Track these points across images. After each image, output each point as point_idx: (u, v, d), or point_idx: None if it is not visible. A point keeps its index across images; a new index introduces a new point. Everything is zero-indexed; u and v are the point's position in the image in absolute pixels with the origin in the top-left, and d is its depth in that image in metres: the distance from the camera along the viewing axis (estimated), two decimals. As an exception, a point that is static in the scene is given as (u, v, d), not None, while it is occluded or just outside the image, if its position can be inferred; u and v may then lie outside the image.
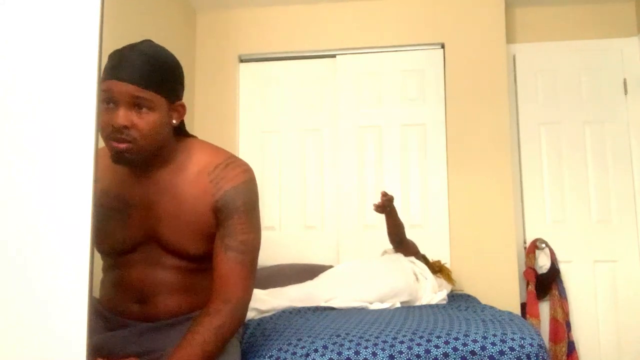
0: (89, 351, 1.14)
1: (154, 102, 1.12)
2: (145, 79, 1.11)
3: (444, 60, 3.13)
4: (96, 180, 1.10)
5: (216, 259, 1.19)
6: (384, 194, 2.26)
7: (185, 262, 1.23)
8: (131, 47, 1.14)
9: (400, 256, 2.31)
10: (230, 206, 1.20)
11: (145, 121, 1.11)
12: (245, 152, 3.27)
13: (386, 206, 2.28)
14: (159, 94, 1.12)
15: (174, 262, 1.23)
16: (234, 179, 1.22)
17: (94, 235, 1.19)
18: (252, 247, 1.21)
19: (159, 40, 2.85)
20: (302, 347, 1.22)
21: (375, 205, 2.30)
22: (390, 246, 2.51)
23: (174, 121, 1.19)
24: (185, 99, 3.18)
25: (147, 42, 1.16)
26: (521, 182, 3.15)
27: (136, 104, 1.11)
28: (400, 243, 2.41)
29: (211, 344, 1.10)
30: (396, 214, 2.37)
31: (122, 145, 1.10)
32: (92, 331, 1.22)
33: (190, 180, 1.21)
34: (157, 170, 1.21)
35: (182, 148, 1.24)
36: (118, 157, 1.11)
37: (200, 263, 1.25)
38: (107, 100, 1.10)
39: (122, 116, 1.09)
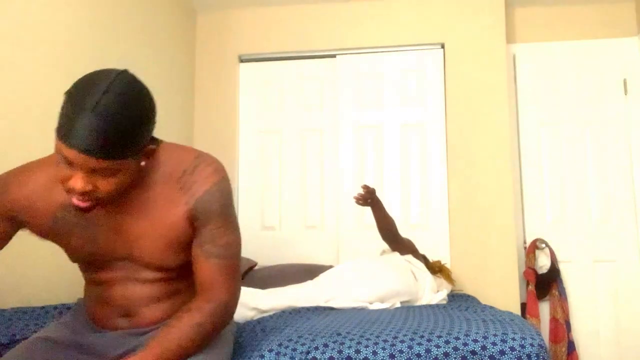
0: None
1: (118, 167, 0.99)
2: (104, 152, 0.95)
3: (444, 60, 3.13)
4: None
5: (197, 266, 1.14)
6: (366, 187, 2.25)
7: (164, 274, 1.18)
8: (84, 108, 0.94)
9: (396, 255, 2.30)
10: (206, 212, 1.13)
11: (109, 183, 1.00)
12: (245, 152, 3.27)
13: (367, 198, 2.27)
14: (122, 159, 0.98)
15: (156, 275, 1.18)
16: (206, 182, 1.14)
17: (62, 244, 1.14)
18: (234, 249, 1.17)
19: (159, 40, 2.85)
20: (303, 344, 1.22)
21: (355, 197, 2.28)
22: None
23: (143, 163, 1.08)
24: (185, 99, 3.18)
25: (106, 99, 0.95)
26: (521, 182, 3.15)
27: (97, 171, 0.98)
28: (394, 239, 2.38)
29: (188, 340, 1.07)
30: (382, 207, 2.34)
31: (85, 205, 1.01)
32: (83, 331, 1.21)
33: (158, 194, 1.13)
34: (122, 194, 1.11)
35: (147, 162, 1.13)
36: (81, 211, 1.03)
37: (183, 270, 1.21)
38: (67, 162, 0.97)
39: (82, 181, 0.98)
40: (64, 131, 0.94)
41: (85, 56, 2.21)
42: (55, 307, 1.74)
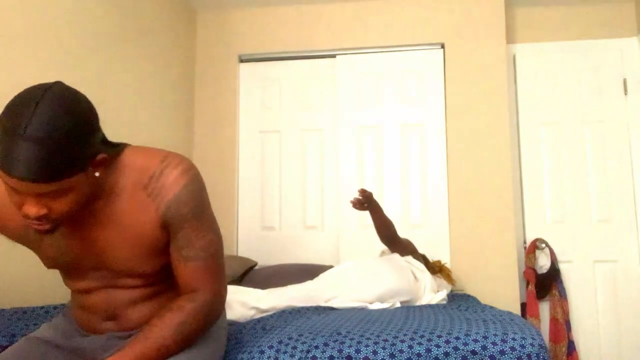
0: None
1: (68, 185, 0.95)
2: (46, 175, 0.90)
3: (444, 60, 3.13)
4: None
5: (177, 271, 1.12)
6: (362, 191, 2.24)
7: (141, 278, 1.16)
8: (16, 134, 0.89)
9: (396, 256, 2.30)
10: (178, 217, 1.10)
11: (63, 203, 0.96)
12: (245, 152, 3.27)
13: (363, 202, 2.26)
14: (70, 177, 0.94)
15: (135, 281, 1.16)
16: (174, 186, 1.09)
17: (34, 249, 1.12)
18: (213, 249, 1.14)
19: (159, 39, 2.85)
20: (303, 343, 1.22)
21: (351, 202, 2.28)
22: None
23: (97, 174, 1.02)
24: (185, 99, 3.18)
25: (36, 121, 0.89)
26: (521, 182, 3.15)
27: (46, 194, 0.94)
28: (392, 242, 2.36)
29: (169, 339, 1.05)
30: (380, 210, 2.32)
31: (44, 228, 0.98)
32: (71, 334, 1.21)
33: (125, 202, 1.09)
34: (86, 206, 1.07)
35: (110, 171, 1.08)
36: (44, 234, 1.00)
37: (164, 272, 1.19)
38: (15, 191, 0.94)
39: (35, 207, 0.94)
40: (3, 161, 0.90)
41: (85, 56, 2.21)
42: (55, 307, 1.74)
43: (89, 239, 1.10)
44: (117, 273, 1.14)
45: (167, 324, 1.06)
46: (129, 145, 1.14)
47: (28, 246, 1.14)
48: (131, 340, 1.04)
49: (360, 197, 2.25)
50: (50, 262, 1.14)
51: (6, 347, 1.31)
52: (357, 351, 1.18)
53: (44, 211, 0.95)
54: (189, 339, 1.09)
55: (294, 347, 1.21)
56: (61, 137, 0.90)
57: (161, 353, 1.04)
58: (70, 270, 1.15)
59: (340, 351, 1.19)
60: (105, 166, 1.03)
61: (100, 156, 0.99)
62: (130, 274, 1.14)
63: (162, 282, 1.19)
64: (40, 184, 0.91)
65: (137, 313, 1.17)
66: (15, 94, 1.82)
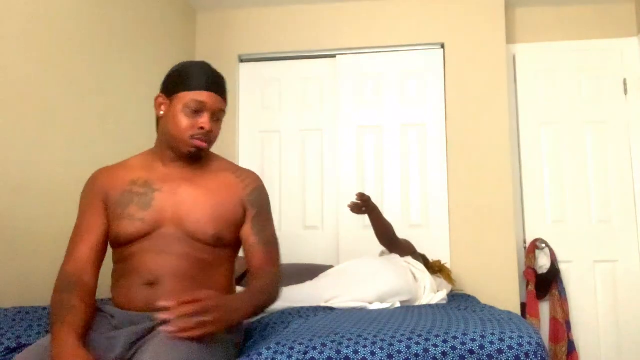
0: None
1: (224, 110, 1.38)
2: (226, 98, 1.39)
3: (444, 60, 3.13)
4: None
5: (252, 254, 1.38)
6: (361, 195, 2.24)
7: (197, 249, 1.31)
8: (207, 65, 1.37)
9: (396, 257, 2.30)
10: (259, 203, 1.41)
11: (217, 128, 1.38)
12: (245, 152, 3.27)
13: (361, 206, 2.26)
14: (225, 102, 1.39)
15: (185, 250, 1.30)
16: (256, 181, 1.45)
17: (111, 226, 1.32)
18: (276, 239, 1.45)
19: (159, 39, 2.85)
20: (301, 344, 1.22)
21: (349, 206, 2.28)
22: (387, 248, 2.49)
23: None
24: (186, 99, 3.18)
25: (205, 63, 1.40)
26: (521, 182, 3.15)
27: (215, 115, 1.35)
28: (392, 244, 2.36)
29: (265, 292, 1.29)
30: (379, 213, 2.32)
31: (205, 144, 1.34)
32: (98, 330, 1.22)
33: (214, 174, 1.41)
34: (186, 164, 1.40)
35: (209, 152, 1.47)
36: (197, 153, 1.35)
37: (210, 252, 1.33)
38: (196, 108, 1.32)
39: (209, 123, 1.33)
40: (194, 82, 1.32)
41: (85, 56, 2.22)
42: (55, 307, 1.74)
43: (180, 194, 1.34)
44: (179, 233, 1.31)
45: (263, 281, 1.32)
46: None
47: (115, 212, 1.33)
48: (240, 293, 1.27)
49: (359, 201, 2.25)
50: (125, 224, 1.31)
51: (14, 349, 1.31)
52: (355, 352, 1.18)
53: (212, 128, 1.34)
54: (268, 301, 1.30)
55: (291, 348, 1.21)
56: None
57: (263, 300, 1.28)
58: (136, 232, 1.30)
59: (338, 352, 1.19)
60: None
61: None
62: (190, 236, 1.31)
63: (205, 268, 1.33)
64: (223, 100, 1.37)
65: (173, 285, 1.27)
66: (15, 93, 1.82)
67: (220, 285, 1.36)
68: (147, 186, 1.35)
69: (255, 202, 1.41)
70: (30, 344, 1.33)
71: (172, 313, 1.05)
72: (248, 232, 1.39)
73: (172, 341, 1.05)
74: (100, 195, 1.36)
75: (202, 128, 1.32)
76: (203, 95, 1.32)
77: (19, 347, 1.31)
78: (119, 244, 1.33)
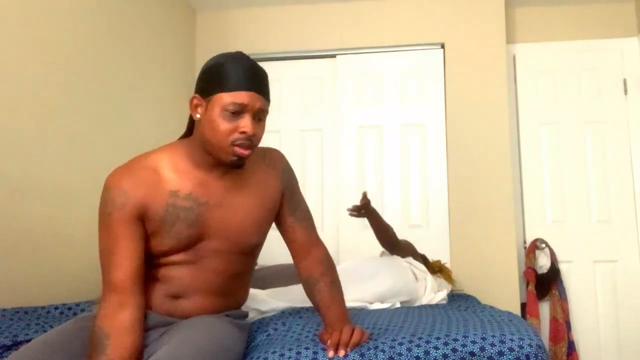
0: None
1: (267, 110, 1.23)
2: (268, 94, 1.23)
3: (444, 60, 3.13)
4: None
5: (294, 235, 1.39)
6: (364, 195, 2.24)
7: (232, 261, 1.30)
8: (246, 58, 1.20)
9: (397, 258, 2.30)
10: (290, 181, 1.41)
11: (261, 130, 1.23)
12: (245, 152, 3.27)
13: (361, 208, 2.26)
14: (268, 103, 1.24)
15: (219, 265, 1.28)
16: (282, 158, 1.42)
17: (152, 237, 1.23)
18: (309, 211, 1.47)
19: (159, 39, 2.85)
20: (307, 348, 1.22)
21: (348, 209, 2.28)
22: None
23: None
24: (185, 99, 3.18)
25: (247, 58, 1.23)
26: (521, 182, 3.15)
27: (257, 115, 1.20)
28: (393, 246, 2.35)
29: (341, 292, 1.37)
30: (379, 216, 2.32)
31: (248, 152, 1.20)
32: None
33: (251, 172, 1.33)
34: (227, 169, 1.28)
35: None
36: (239, 162, 1.21)
37: (242, 262, 1.33)
38: (237, 110, 1.17)
39: (252, 125, 1.18)
40: (233, 82, 1.16)
41: (85, 55, 2.22)
42: (56, 307, 1.75)
43: (225, 207, 1.27)
44: (223, 247, 1.27)
45: (333, 283, 1.36)
46: None
47: (159, 228, 1.22)
48: (327, 307, 1.33)
49: (360, 204, 2.25)
50: (170, 239, 1.23)
51: (10, 347, 1.31)
52: (362, 355, 1.19)
53: (254, 131, 1.19)
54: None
55: (298, 353, 1.21)
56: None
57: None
58: (179, 245, 1.24)
59: (345, 356, 1.19)
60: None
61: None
62: (235, 249, 1.29)
63: (235, 279, 1.33)
64: (265, 100, 1.21)
65: (199, 302, 1.27)
66: (15, 93, 1.82)
67: (238, 294, 1.37)
68: (191, 199, 1.23)
69: (288, 183, 1.40)
70: (28, 340, 1.33)
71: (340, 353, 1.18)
72: (285, 212, 1.39)
73: (192, 329, 1.10)
74: (137, 211, 1.19)
75: (243, 132, 1.17)
76: (243, 97, 1.16)
77: (15, 345, 1.32)
78: (152, 255, 1.25)
